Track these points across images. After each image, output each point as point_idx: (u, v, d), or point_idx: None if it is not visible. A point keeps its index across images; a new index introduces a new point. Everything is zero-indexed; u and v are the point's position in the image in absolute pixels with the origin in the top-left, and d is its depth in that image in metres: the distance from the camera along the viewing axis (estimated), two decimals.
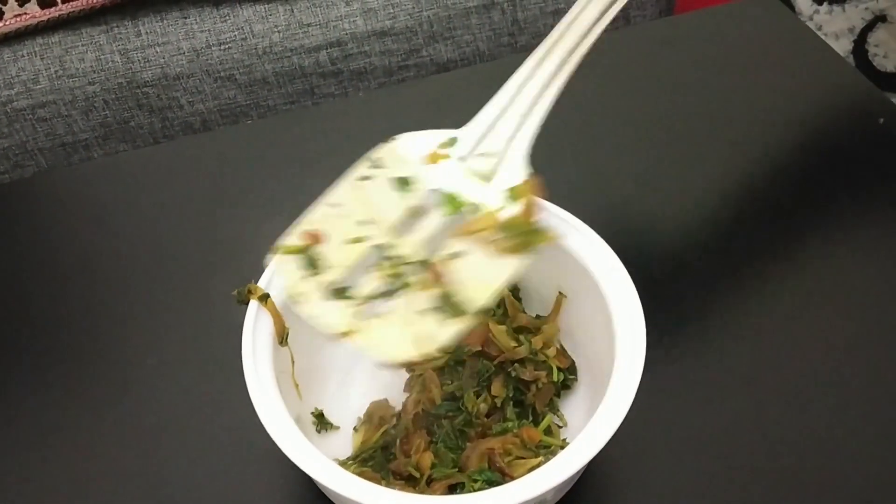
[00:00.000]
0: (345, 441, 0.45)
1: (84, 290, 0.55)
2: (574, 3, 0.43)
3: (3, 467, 0.46)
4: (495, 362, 0.44)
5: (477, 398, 0.44)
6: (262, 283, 0.43)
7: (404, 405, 0.44)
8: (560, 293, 0.47)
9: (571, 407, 0.46)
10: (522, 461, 0.40)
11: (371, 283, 0.38)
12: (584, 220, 0.45)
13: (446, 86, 0.69)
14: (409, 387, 0.46)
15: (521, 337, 0.46)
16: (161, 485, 0.45)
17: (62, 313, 0.53)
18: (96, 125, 0.84)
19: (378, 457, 0.42)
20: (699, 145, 0.62)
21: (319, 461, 0.37)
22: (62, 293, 0.55)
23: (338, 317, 0.37)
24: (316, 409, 0.45)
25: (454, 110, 0.66)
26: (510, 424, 0.43)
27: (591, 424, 0.38)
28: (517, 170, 0.41)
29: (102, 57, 0.81)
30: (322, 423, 0.45)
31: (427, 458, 0.41)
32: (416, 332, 0.36)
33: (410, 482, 0.41)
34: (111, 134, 0.85)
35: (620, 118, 0.64)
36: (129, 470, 0.46)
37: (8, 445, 0.47)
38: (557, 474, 0.36)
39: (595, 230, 0.45)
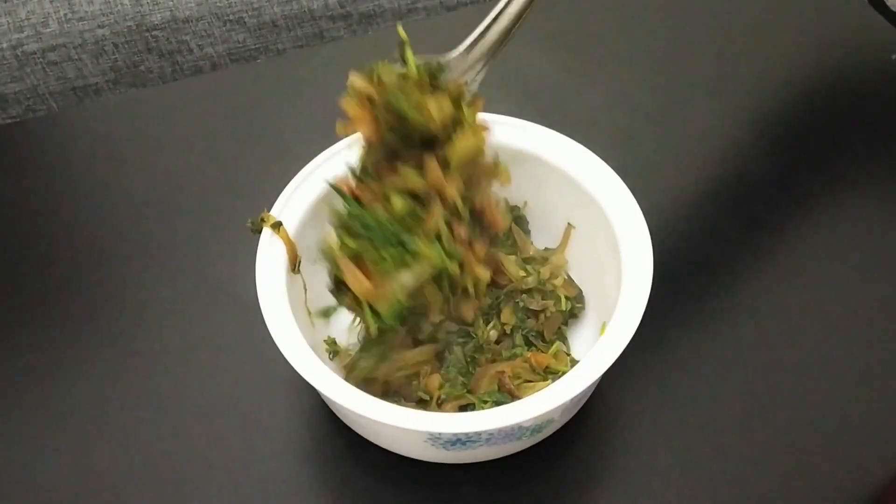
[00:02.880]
0: None
1: (97, 226, 0.55)
2: None
3: (23, 394, 0.48)
4: (504, 291, 0.45)
5: (487, 326, 0.44)
6: (275, 212, 0.43)
7: None
8: (569, 224, 0.47)
9: (579, 335, 0.47)
10: (531, 384, 0.41)
11: None
12: (596, 153, 0.45)
13: (456, 24, 0.69)
14: None
15: (530, 267, 0.47)
16: (176, 411, 0.47)
17: (76, 249, 0.54)
18: (106, 69, 0.84)
19: None
20: (710, 80, 0.62)
21: (334, 382, 0.38)
22: (76, 230, 0.55)
23: None
24: (329, 336, 0.46)
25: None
26: (519, 350, 0.44)
27: (597, 347, 0.39)
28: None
29: (111, 0, 0.81)
30: (334, 349, 0.46)
31: (434, 380, 0.42)
32: None
33: (421, 406, 0.42)
34: (121, 78, 0.85)
35: (633, 52, 0.63)
36: (145, 397, 0.47)
37: (27, 374, 0.49)
38: (563, 394, 0.37)
39: (606, 162, 0.45)
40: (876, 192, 0.55)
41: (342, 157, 0.46)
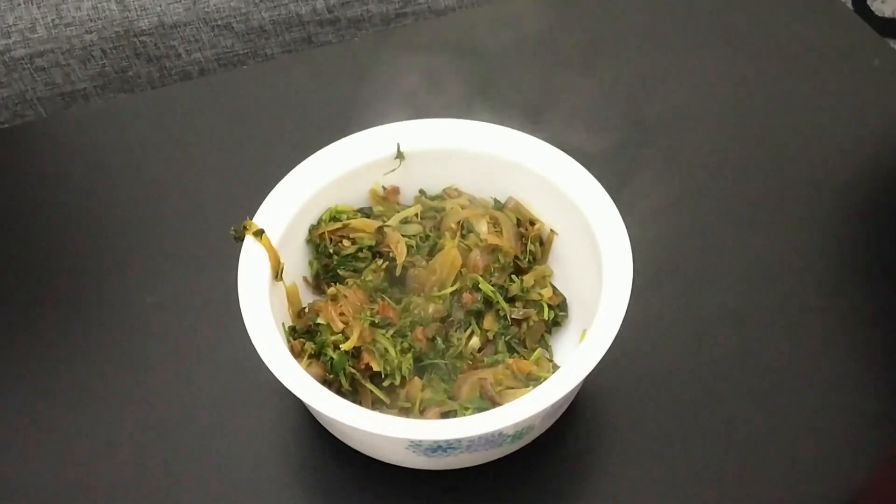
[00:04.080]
0: None
1: (82, 232, 0.55)
2: None
3: (6, 404, 0.48)
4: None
5: (466, 333, 0.45)
6: (258, 220, 0.43)
7: None
8: (551, 231, 0.47)
9: (562, 342, 0.47)
10: (512, 391, 0.42)
11: None
12: (577, 160, 0.46)
13: (444, 29, 0.69)
14: None
15: (513, 275, 0.47)
16: (159, 417, 0.47)
17: (61, 255, 0.54)
18: (94, 74, 0.84)
19: None
20: (692, 87, 0.62)
21: (316, 390, 0.38)
22: (62, 235, 0.55)
23: None
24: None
25: (451, 53, 0.66)
26: (501, 357, 0.44)
27: (577, 354, 0.39)
28: None
29: (99, 5, 0.81)
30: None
31: (416, 384, 0.42)
32: None
33: (403, 413, 0.42)
34: (109, 83, 0.85)
35: (614, 60, 0.64)
36: (128, 404, 0.47)
37: (10, 382, 0.49)
38: (543, 401, 0.37)
39: (587, 170, 0.45)
40: (859, 195, 0.55)
41: (325, 164, 0.46)
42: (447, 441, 0.37)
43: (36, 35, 0.81)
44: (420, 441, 0.37)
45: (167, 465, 0.45)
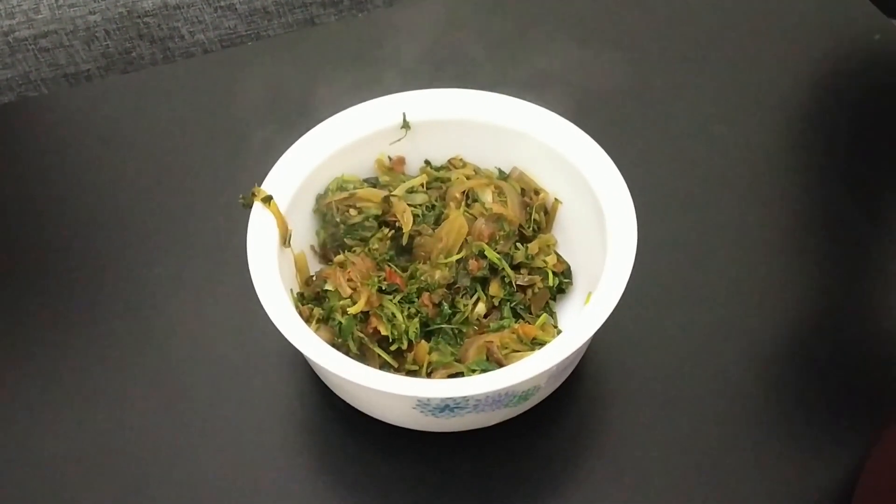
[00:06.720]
0: None
1: (90, 206, 0.56)
2: None
3: (18, 377, 0.48)
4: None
5: (472, 299, 0.45)
6: (266, 187, 0.44)
7: None
8: (556, 199, 0.48)
9: (567, 309, 0.47)
10: (518, 354, 0.42)
11: None
12: (581, 128, 0.46)
13: (445, 10, 0.70)
14: None
15: (518, 243, 0.47)
16: (169, 385, 0.47)
17: (69, 230, 0.55)
18: (98, 55, 0.85)
19: None
20: (695, 59, 0.62)
21: (325, 351, 0.39)
22: (69, 210, 0.56)
23: None
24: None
25: (453, 32, 0.67)
26: (507, 322, 0.44)
27: (582, 316, 0.40)
28: None
29: None
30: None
31: (423, 348, 0.42)
32: None
33: (411, 376, 0.43)
34: (113, 64, 0.85)
35: (621, 35, 0.64)
36: (139, 373, 0.48)
37: (24, 357, 0.49)
38: (548, 360, 0.38)
39: (591, 137, 0.46)
40: (860, 169, 0.56)
41: (332, 133, 0.47)
42: (454, 399, 0.38)
43: (40, 16, 0.82)
44: (428, 399, 0.38)
45: (176, 432, 0.46)
